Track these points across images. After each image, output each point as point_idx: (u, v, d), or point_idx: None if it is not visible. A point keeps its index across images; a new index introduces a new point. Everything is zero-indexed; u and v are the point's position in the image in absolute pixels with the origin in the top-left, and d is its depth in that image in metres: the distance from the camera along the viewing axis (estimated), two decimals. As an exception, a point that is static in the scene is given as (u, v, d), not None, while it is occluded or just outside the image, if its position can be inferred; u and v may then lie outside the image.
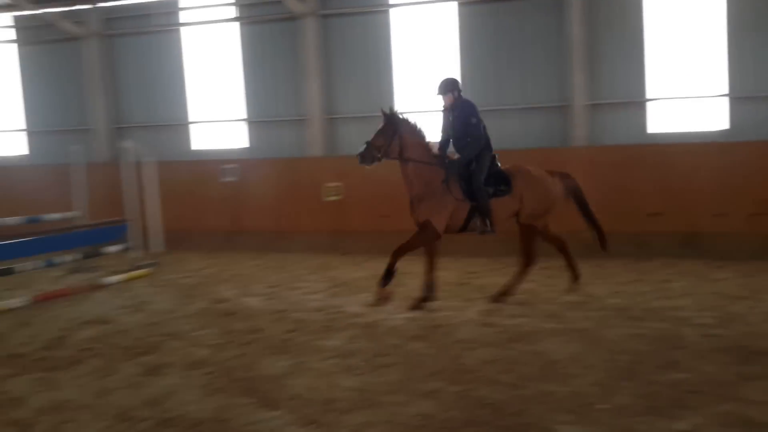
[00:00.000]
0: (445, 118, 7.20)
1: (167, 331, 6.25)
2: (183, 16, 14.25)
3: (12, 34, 15.31)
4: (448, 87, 7.12)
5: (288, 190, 12.32)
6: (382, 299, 6.97)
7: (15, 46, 15.32)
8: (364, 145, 6.85)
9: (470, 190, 6.87)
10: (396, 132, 6.84)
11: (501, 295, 7.14)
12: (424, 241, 6.92)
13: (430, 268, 7.00)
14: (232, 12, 13.90)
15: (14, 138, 15.72)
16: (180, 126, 14.20)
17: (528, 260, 7.20)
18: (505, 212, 7.03)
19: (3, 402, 4.51)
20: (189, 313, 7.02)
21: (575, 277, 7.30)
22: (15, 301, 7.34)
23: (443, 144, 7.18)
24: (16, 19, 15.12)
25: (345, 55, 13.21)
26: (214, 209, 12.66)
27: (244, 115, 13.89)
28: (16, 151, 15.69)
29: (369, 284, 7.38)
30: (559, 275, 7.80)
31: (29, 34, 15.08)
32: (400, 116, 6.93)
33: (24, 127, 15.51)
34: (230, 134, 14.13)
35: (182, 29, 14.24)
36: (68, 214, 9.52)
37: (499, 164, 7.11)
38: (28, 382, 4.89)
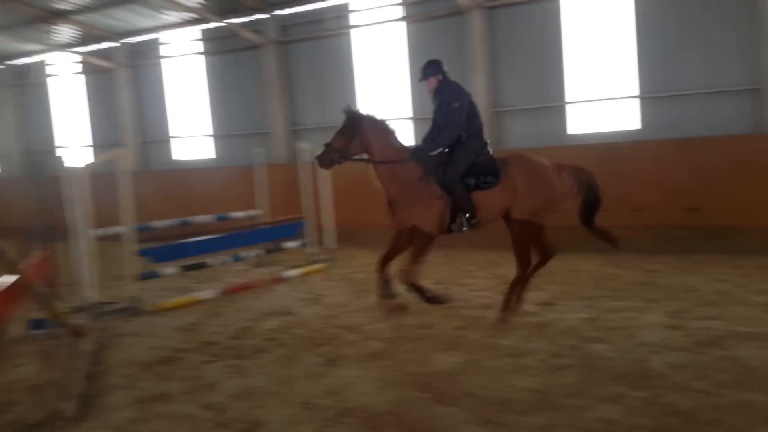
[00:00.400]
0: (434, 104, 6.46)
1: (343, 324, 6.46)
2: (353, 19, 14.75)
3: (200, 46, 16.70)
4: (430, 70, 6.40)
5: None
6: (396, 310, 6.54)
7: (203, 57, 16.71)
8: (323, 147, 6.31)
9: (444, 183, 6.15)
10: (356, 131, 6.23)
11: (504, 313, 6.26)
12: (423, 249, 6.24)
13: (410, 268, 6.28)
14: (400, 12, 14.16)
15: (204, 143, 17.17)
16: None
17: (522, 266, 6.23)
18: (495, 206, 6.18)
19: (199, 386, 4.89)
20: (362, 306, 7.21)
21: (507, 304, 6.29)
22: (207, 293, 7.97)
23: (429, 135, 6.44)
24: (204, 32, 16.48)
25: (512, 46, 12.98)
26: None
27: (410, 114, 14.10)
28: (205, 154, 17.14)
29: (540, 282, 7.14)
30: (754, 274, 7.06)
31: (214, 45, 16.40)
32: (362, 114, 6.33)
33: (211, 132, 16.89)
34: (400, 131, 14.42)
35: (352, 32, 14.74)
36: (251, 212, 10.21)
37: (489, 151, 6.36)
38: (221, 369, 5.28)
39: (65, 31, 16.99)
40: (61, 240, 7.40)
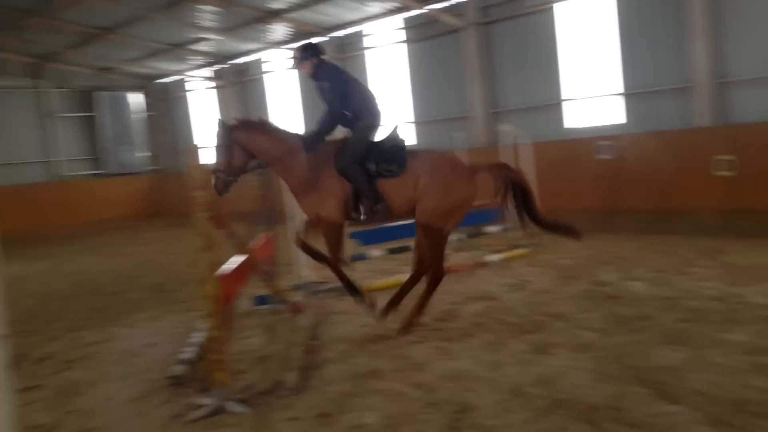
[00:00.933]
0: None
1: (550, 311, 6.23)
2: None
3: (401, 35, 17.09)
4: (303, 54, 6.04)
5: (671, 166, 11.38)
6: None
7: (404, 45, 17.08)
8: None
9: (339, 169, 5.81)
10: (232, 142, 5.76)
11: (406, 325, 5.87)
12: (333, 238, 5.91)
13: (331, 264, 5.98)
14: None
15: (405, 130, 17.59)
16: (553, 105, 14.20)
17: (432, 274, 5.85)
18: (400, 198, 5.80)
19: (408, 366, 4.98)
20: (570, 294, 6.91)
21: (387, 311, 6.02)
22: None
23: (321, 122, 6.02)
24: (405, 20, 16.83)
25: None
26: (587, 189, 12.39)
27: (621, 89, 13.24)
28: (407, 141, 17.54)
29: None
30: None
31: (415, 33, 16.67)
32: (231, 122, 5.75)
33: (412, 119, 17.23)
34: (605, 110, 13.64)
35: (555, 6, 14.16)
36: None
37: (401, 140, 5.97)
38: (428, 350, 5.33)
39: (279, 29, 18.27)
40: (281, 223, 7.97)
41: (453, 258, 9.62)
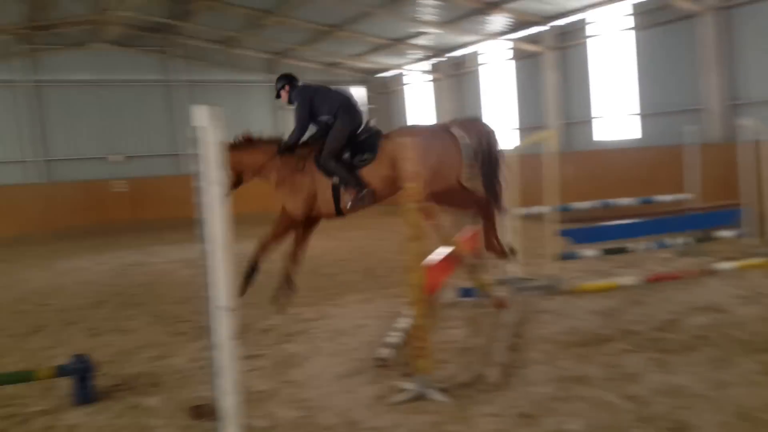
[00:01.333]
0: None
1: (792, 331, 5.47)
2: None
3: (629, 22, 16.04)
4: (277, 85, 7.13)
5: None
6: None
7: (631, 33, 16.02)
8: None
9: (320, 166, 6.67)
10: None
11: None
12: (280, 228, 6.88)
13: (291, 258, 7.13)
14: None
15: (627, 122, 16.54)
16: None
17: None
18: (379, 180, 6.45)
19: (619, 375, 4.65)
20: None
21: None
22: (627, 279, 7.60)
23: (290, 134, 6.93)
24: (634, 6, 15.77)
25: None
26: None
27: None
28: (628, 134, 16.50)
29: None
30: None
31: (644, 19, 15.53)
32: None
33: (638, 111, 16.14)
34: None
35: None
36: (679, 196, 9.41)
37: (375, 129, 6.70)
38: (643, 361, 4.94)
39: (498, 20, 18.10)
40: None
41: (676, 263, 8.88)
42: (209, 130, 2.97)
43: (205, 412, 3.35)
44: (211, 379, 3.16)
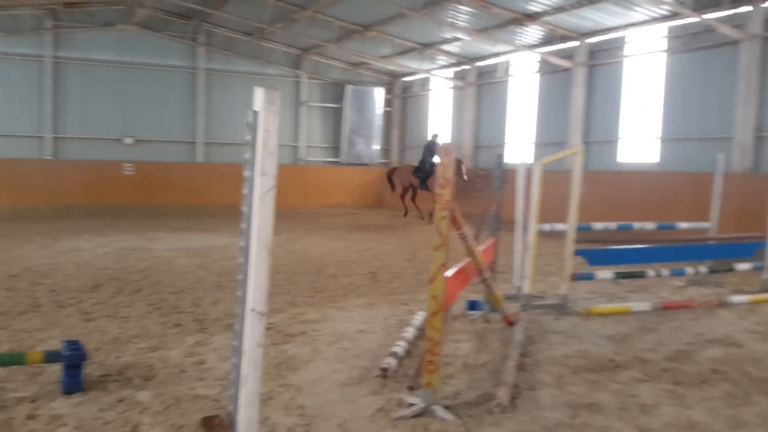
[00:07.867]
0: None
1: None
2: None
3: (664, 44, 15.74)
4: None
5: None
6: None
7: (664, 55, 15.71)
8: None
9: None
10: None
11: None
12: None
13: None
14: None
15: (649, 145, 16.27)
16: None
17: None
18: None
19: (632, 405, 4.48)
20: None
21: None
22: (642, 305, 7.42)
23: None
24: (671, 29, 15.45)
25: None
26: None
27: None
28: (648, 158, 16.22)
29: None
30: None
31: (682, 43, 15.18)
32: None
33: (659, 135, 15.85)
34: None
35: None
36: (698, 225, 9.21)
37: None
38: (656, 391, 4.77)
39: (531, 33, 17.88)
40: (503, 229, 7.73)
41: (688, 291, 8.68)
42: (265, 115, 2.75)
43: (218, 424, 3.13)
44: (231, 388, 2.97)
